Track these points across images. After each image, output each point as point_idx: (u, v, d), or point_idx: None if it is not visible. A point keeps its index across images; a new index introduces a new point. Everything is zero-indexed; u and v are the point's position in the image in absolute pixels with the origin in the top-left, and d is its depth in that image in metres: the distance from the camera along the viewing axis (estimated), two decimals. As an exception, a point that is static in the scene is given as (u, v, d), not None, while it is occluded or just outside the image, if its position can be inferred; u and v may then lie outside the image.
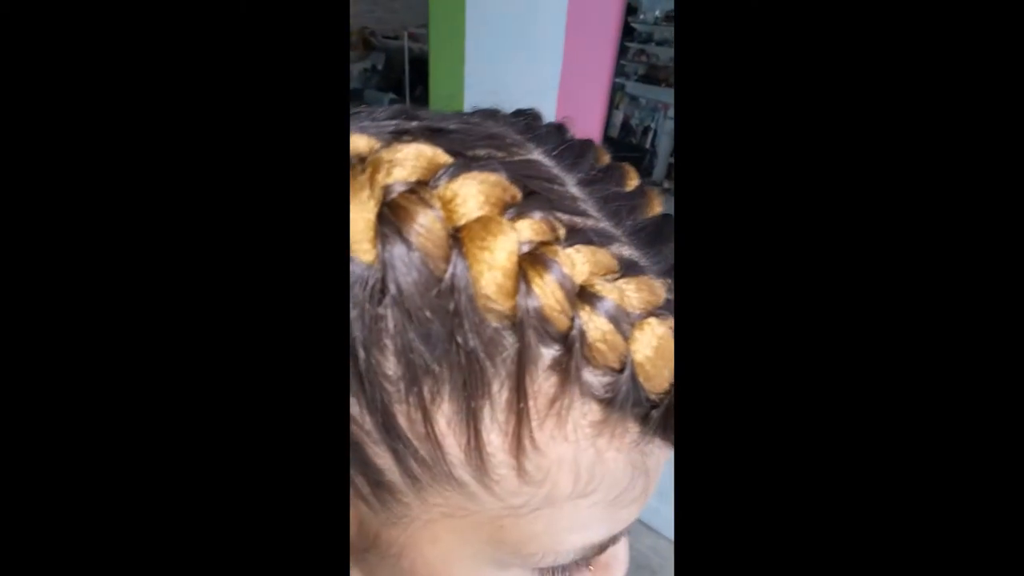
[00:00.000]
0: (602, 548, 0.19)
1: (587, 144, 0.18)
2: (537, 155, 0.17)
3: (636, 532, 1.31)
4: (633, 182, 0.18)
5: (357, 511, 0.18)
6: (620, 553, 0.22)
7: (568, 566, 0.19)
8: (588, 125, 1.35)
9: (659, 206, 0.18)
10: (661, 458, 0.18)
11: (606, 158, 0.18)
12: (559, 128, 0.19)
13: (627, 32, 1.26)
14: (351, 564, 0.20)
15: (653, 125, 1.29)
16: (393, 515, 0.17)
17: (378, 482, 0.16)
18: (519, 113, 0.19)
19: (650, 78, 1.27)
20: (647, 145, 1.32)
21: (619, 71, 1.30)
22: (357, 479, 0.16)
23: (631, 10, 1.24)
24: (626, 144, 1.35)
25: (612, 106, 1.34)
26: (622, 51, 1.28)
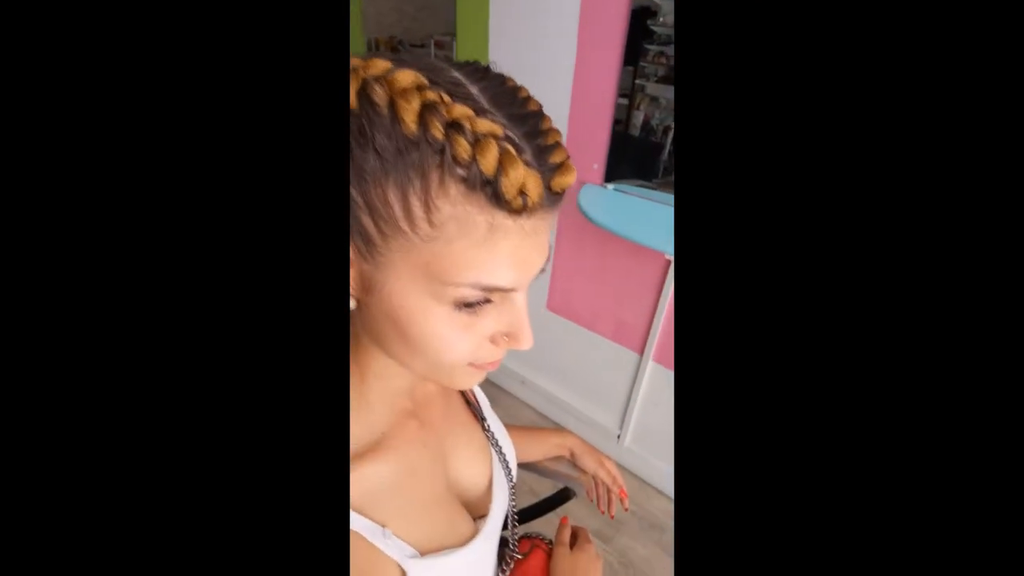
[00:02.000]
0: (489, 290, 0.29)
1: (499, 76, 0.30)
2: (453, 72, 0.28)
3: (650, 496, 1.53)
4: (524, 95, 0.29)
5: (360, 268, 0.30)
6: (523, 330, 0.33)
7: (475, 307, 0.30)
8: (597, 121, 1.42)
9: (536, 106, 0.29)
10: (514, 236, 0.29)
11: (511, 82, 0.30)
12: (486, 67, 0.30)
13: (646, 35, 1.30)
14: (357, 316, 0.33)
15: (672, 124, 1.36)
16: (376, 262, 0.29)
17: (367, 240, 0.28)
18: (465, 61, 0.31)
19: (669, 79, 1.33)
20: (668, 143, 1.39)
21: (639, 73, 1.35)
22: (359, 243, 0.28)
23: (650, 14, 1.28)
24: (646, 142, 1.42)
25: (633, 107, 1.40)
26: (642, 53, 1.32)
